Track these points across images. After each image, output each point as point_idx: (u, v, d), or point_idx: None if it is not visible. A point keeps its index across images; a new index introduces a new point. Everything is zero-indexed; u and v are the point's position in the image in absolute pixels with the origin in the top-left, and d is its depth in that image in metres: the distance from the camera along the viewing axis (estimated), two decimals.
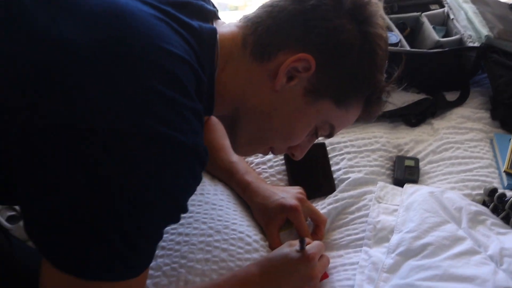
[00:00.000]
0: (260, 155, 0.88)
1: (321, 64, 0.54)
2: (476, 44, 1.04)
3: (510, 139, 0.92)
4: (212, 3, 0.66)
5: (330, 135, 0.63)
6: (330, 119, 0.59)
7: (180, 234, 0.73)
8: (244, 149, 0.64)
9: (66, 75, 0.43)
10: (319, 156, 0.87)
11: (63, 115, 0.42)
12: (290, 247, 0.68)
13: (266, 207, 0.76)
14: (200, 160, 0.48)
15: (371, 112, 0.61)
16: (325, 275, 0.70)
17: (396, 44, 1.03)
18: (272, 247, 0.74)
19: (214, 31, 0.55)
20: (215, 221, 0.75)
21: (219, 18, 0.62)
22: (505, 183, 0.85)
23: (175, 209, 0.48)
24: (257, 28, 0.56)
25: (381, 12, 0.57)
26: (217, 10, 0.64)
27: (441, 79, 1.05)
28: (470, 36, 1.06)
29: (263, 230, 0.77)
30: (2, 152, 0.45)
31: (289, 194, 0.77)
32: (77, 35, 0.44)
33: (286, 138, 0.60)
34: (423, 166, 0.89)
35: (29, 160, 0.43)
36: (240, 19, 0.59)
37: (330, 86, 0.56)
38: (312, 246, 0.67)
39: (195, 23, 0.53)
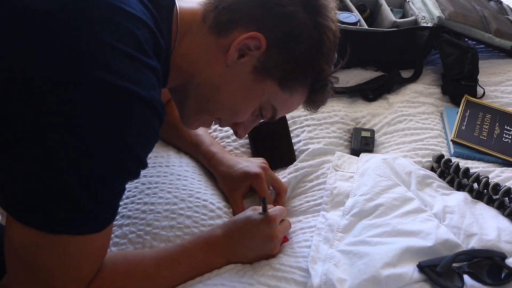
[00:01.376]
0: (225, 129, 0.92)
1: (271, 45, 0.57)
2: (429, 25, 1.10)
3: (457, 112, 0.98)
4: None
5: (272, 117, 0.65)
6: (274, 100, 0.62)
7: (145, 203, 0.75)
8: (191, 120, 0.67)
9: (27, 31, 0.45)
10: (280, 129, 0.90)
11: (23, 69, 0.44)
12: (253, 211, 0.71)
13: (231, 175, 0.79)
14: (158, 113, 0.50)
15: (314, 100, 0.65)
16: (285, 239, 0.74)
17: (355, 24, 1.08)
18: (236, 213, 0.77)
19: (172, 1, 0.58)
20: (179, 191, 0.77)
21: None
22: (452, 151, 0.91)
23: (135, 162, 0.50)
24: (218, 6, 0.59)
25: (333, 4, 0.61)
26: None
27: (397, 57, 1.10)
28: (424, 18, 1.12)
29: (227, 198, 0.81)
30: None
31: (253, 163, 0.81)
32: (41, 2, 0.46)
33: (232, 112, 0.63)
34: (379, 137, 0.94)
35: None
36: None
37: (277, 68, 0.59)
38: (274, 209, 0.71)
39: None
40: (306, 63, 0.59)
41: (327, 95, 0.65)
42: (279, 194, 0.81)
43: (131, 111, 0.47)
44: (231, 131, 0.91)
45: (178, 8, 0.59)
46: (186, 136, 0.85)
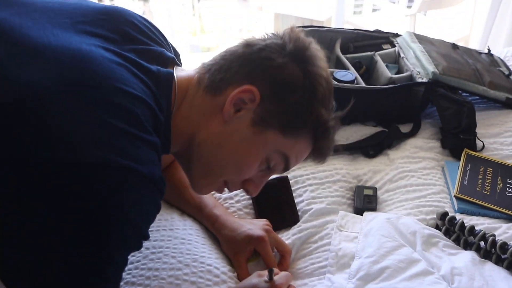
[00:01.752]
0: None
1: (265, 96, 0.60)
2: (424, 80, 1.13)
3: (459, 166, 0.99)
4: (173, 51, 0.72)
5: (286, 167, 0.66)
6: (281, 148, 0.63)
7: (149, 269, 0.74)
8: (200, 184, 0.68)
9: (33, 113, 0.47)
10: (283, 189, 0.91)
11: (31, 151, 0.46)
12: (258, 278, 0.70)
13: (234, 238, 0.79)
14: (158, 187, 0.52)
15: (320, 147, 0.65)
16: None
17: (352, 82, 1.11)
18: (240, 277, 0.77)
19: (170, 74, 0.62)
20: (184, 255, 0.77)
21: (179, 65, 0.68)
22: (456, 207, 0.91)
23: (138, 236, 0.52)
24: (211, 68, 0.63)
25: (321, 55, 0.63)
26: (178, 57, 0.71)
27: (395, 112, 1.12)
28: (419, 73, 1.16)
29: (231, 261, 0.80)
30: None
31: (256, 226, 0.81)
32: (44, 78, 0.48)
33: (237, 169, 0.63)
34: (381, 195, 0.94)
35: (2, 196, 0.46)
36: (199, 66, 0.66)
37: (275, 117, 0.61)
38: (280, 276, 0.70)
39: (154, 67, 0.60)
40: (302, 110, 0.61)
41: (332, 142, 0.66)
42: (283, 257, 0.80)
43: (132, 188, 0.49)
44: (233, 192, 0.92)
45: (175, 77, 0.62)
46: (190, 199, 0.86)
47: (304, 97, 0.60)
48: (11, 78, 0.47)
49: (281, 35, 0.63)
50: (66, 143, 0.47)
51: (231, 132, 0.61)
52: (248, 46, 0.62)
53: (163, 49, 0.66)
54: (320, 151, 0.66)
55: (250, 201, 0.91)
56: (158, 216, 0.86)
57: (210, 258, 0.78)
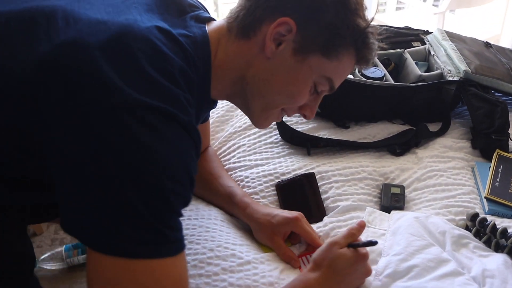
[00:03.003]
0: (253, 184, 0.92)
1: (301, 23, 0.61)
2: (456, 78, 1.10)
3: (490, 167, 0.96)
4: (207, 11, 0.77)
5: (331, 88, 0.68)
6: (325, 72, 0.65)
7: None
8: (260, 119, 0.71)
9: (82, 63, 0.52)
10: (309, 185, 0.91)
11: (77, 94, 0.50)
12: (338, 245, 0.70)
13: (269, 222, 0.80)
14: (193, 138, 0.55)
15: (363, 57, 0.66)
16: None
17: (381, 79, 1.10)
18: (285, 257, 0.78)
19: (204, 32, 0.65)
20: (208, 242, 0.78)
21: (214, 20, 0.71)
22: (486, 209, 0.88)
23: (188, 180, 0.53)
24: (239, 14, 0.65)
25: None
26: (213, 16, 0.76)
27: (424, 111, 1.10)
28: (450, 71, 1.13)
29: (263, 248, 0.80)
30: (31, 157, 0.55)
31: (288, 211, 0.81)
32: (94, 40, 0.54)
33: (291, 98, 0.67)
34: (409, 193, 0.93)
35: (53, 152, 0.51)
36: (227, 14, 0.68)
37: (315, 41, 0.62)
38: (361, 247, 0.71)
39: (191, 31, 0.63)
40: (339, 26, 0.61)
41: (374, 47, 0.66)
42: (315, 242, 0.79)
43: (179, 133, 0.53)
44: (259, 187, 0.92)
45: (208, 31, 0.65)
46: (219, 188, 0.87)
47: (337, 12, 0.61)
48: (70, 40, 0.54)
49: None
50: (111, 87, 0.50)
51: (277, 66, 0.64)
52: None
53: (201, 10, 0.70)
54: (365, 59, 0.67)
55: (276, 197, 0.91)
56: None
57: (235, 245, 0.78)
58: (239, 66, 0.66)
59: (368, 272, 0.71)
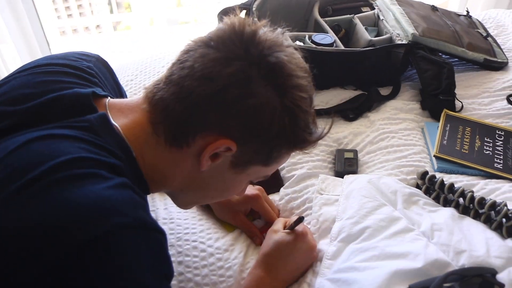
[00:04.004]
0: None
1: (242, 143, 0.53)
2: (404, 42, 1.11)
3: (438, 126, 0.98)
4: (107, 75, 0.67)
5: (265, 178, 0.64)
6: (263, 173, 0.61)
7: None
8: (187, 207, 0.70)
9: None
10: None
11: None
12: (275, 233, 0.71)
13: (229, 201, 0.79)
14: (151, 230, 0.47)
15: (303, 152, 0.61)
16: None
17: (331, 45, 1.09)
18: (249, 233, 0.78)
19: (102, 116, 0.53)
20: (167, 235, 0.75)
21: (117, 86, 0.67)
22: (435, 166, 0.91)
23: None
24: (167, 116, 0.53)
25: (298, 62, 0.54)
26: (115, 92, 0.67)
27: (375, 75, 1.11)
28: (398, 35, 1.14)
29: (226, 226, 0.80)
30: None
31: (248, 187, 0.80)
32: None
33: (224, 198, 0.70)
34: (362, 157, 0.94)
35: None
36: (145, 97, 0.55)
37: (256, 156, 0.56)
38: (299, 226, 0.71)
39: (86, 121, 0.52)
40: (285, 142, 0.56)
41: (316, 144, 0.60)
42: (274, 220, 0.79)
43: (126, 245, 0.45)
44: None
45: (117, 125, 0.54)
46: None
47: (285, 130, 0.54)
48: None
49: (239, 37, 0.52)
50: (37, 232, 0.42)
51: (212, 177, 0.58)
52: (207, 80, 0.51)
53: (90, 89, 0.57)
54: (304, 152, 0.62)
55: None
56: None
57: (195, 233, 0.77)
58: (173, 174, 0.57)
59: (312, 248, 0.71)
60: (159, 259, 0.48)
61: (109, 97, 0.58)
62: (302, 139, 0.57)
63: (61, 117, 0.52)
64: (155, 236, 0.48)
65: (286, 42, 0.56)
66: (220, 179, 0.59)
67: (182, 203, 0.67)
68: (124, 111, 0.56)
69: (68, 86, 0.56)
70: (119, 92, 0.70)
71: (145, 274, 0.45)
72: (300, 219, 0.71)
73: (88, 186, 0.45)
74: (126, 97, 0.75)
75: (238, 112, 0.51)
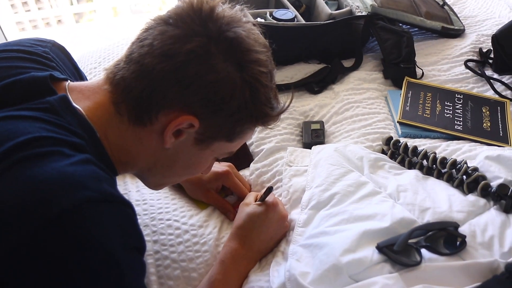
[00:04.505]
0: None
1: (204, 118, 0.53)
2: (364, 13, 1.13)
3: (400, 94, 1.01)
4: (65, 60, 0.65)
5: (229, 155, 0.64)
6: (227, 149, 0.61)
7: None
8: (157, 188, 0.69)
9: None
10: None
11: None
12: (247, 206, 0.72)
13: (200, 179, 0.79)
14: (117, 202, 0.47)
15: (268, 127, 0.61)
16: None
17: (292, 20, 1.09)
18: (222, 209, 0.79)
19: (63, 98, 0.53)
20: (141, 216, 0.76)
21: (77, 70, 0.66)
22: (400, 132, 0.93)
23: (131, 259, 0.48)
24: (128, 94, 0.53)
25: (256, 37, 0.55)
26: (73, 74, 0.65)
27: (337, 48, 1.12)
28: (358, 7, 1.15)
29: (199, 204, 0.80)
30: None
31: (218, 165, 0.81)
32: None
33: (190, 175, 0.68)
34: (328, 128, 0.95)
35: None
36: (106, 78, 0.55)
37: (219, 132, 0.56)
38: (270, 196, 0.72)
39: (46, 102, 0.51)
40: (247, 116, 0.56)
41: (279, 119, 0.61)
42: (245, 195, 0.80)
43: (94, 219, 0.45)
44: None
45: (79, 108, 0.53)
46: None
47: (246, 104, 0.54)
48: None
49: (197, 14, 0.52)
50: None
51: (177, 155, 0.58)
52: (167, 57, 0.51)
53: (50, 71, 0.57)
54: (268, 127, 0.62)
55: None
56: None
57: (168, 212, 0.77)
58: (138, 153, 0.57)
59: (283, 217, 0.72)
60: (127, 232, 0.48)
61: (68, 81, 0.57)
62: (264, 114, 0.57)
63: (19, 101, 0.51)
64: (122, 208, 0.48)
65: (245, 18, 0.56)
66: (185, 156, 0.59)
67: (152, 184, 0.66)
68: (85, 93, 0.55)
69: (25, 71, 0.55)
70: (79, 76, 0.69)
71: (114, 246, 0.45)
72: (269, 189, 0.72)
73: (50, 164, 0.45)
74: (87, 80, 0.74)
75: (198, 87, 0.51)
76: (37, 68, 0.57)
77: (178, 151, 0.57)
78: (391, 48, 1.08)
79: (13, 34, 2.72)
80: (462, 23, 1.27)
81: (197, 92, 0.52)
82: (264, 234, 0.71)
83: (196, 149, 0.58)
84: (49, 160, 0.45)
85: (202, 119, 0.53)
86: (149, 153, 0.57)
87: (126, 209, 0.48)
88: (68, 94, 0.54)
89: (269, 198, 0.72)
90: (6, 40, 1.73)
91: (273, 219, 0.71)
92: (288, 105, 0.61)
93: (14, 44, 0.61)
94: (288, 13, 1.10)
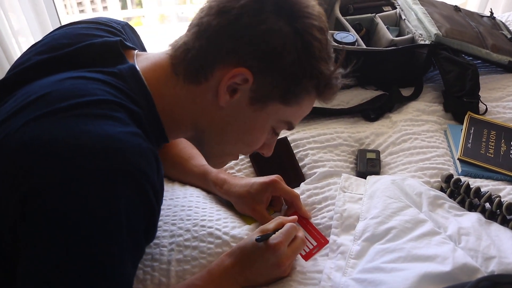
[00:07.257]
0: None
1: (258, 72, 0.54)
2: (427, 42, 1.10)
3: (462, 129, 0.97)
4: (135, 39, 0.70)
5: (290, 128, 0.63)
6: (284, 117, 0.60)
7: None
8: (216, 163, 0.68)
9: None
10: (283, 151, 0.88)
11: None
12: (257, 234, 0.69)
13: (248, 192, 0.78)
14: (138, 179, 0.48)
15: (325, 97, 0.61)
16: (309, 254, 0.73)
17: (353, 43, 1.07)
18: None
19: (132, 67, 0.57)
20: (184, 221, 0.75)
21: (144, 50, 0.69)
22: (459, 170, 0.89)
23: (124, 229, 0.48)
24: (186, 54, 0.56)
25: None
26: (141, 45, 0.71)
27: (396, 75, 1.09)
28: (421, 35, 1.12)
29: (246, 219, 0.79)
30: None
31: (265, 176, 0.79)
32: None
33: (247, 145, 0.63)
34: (384, 158, 0.92)
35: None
36: (170, 45, 0.59)
37: (273, 90, 0.56)
38: (278, 235, 0.68)
39: (116, 68, 0.56)
40: (301, 72, 0.55)
41: (337, 87, 0.60)
42: (293, 202, 0.79)
43: (120, 192, 0.47)
44: (232, 162, 0.89)
45: (140, 68, 0.57)
46: (193, 169, 0.84)
47: (300, 58, 0.54)
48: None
49: None
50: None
51: (233, 116, 0.58)
52: (222, 13, 0.53)
53: (123, 40, 0.61)
54: (325, 99, 0.61)
55: (252, 169, 0.88)
56: None
57: (211, 221, 0.76)
58: (191, 114, 0.59)
59: (279, 264, 0.66)
60: (140, 215, 0.50)
61: (136, 50, 0.62)
62: (318, 71, 0.56)
63: (91, 63, 0.56)
64: (146, 189, 0.49)
65: None
66: (240, 118, 0.58)
67: (208, 156, 0.66)
68: (150, 58, 0.60)
69: (99, 37, 0.61)
70: None
71: (122, 220, 0.47)
72: (264, 236, 0.67)
73: (104, 126, 0.48)
74: None
75: (250, 38, 0.53)
76: (110, 37, 0.62)
77: (233, 111, 0.58)
78: (454, 80, 1.04)
79: None
80: None
81: (250, 44, 0.53)
82: (255, 269, 0.67)
83: (251, 110, 0.57)
84: (104, 123, 0.48)
85: (255, 73, 0.54)
86: (203, 114, 0.58)
87: (149, 194, 0.49)
88: (135, 60, 0.59)
89: (277, 238, 0.67)
90: None
91: (268, 261, 0.66)
92: (342, 61, 0.60)
93: (92, 20, 0.67)
94: (350, 36, 1.08)
